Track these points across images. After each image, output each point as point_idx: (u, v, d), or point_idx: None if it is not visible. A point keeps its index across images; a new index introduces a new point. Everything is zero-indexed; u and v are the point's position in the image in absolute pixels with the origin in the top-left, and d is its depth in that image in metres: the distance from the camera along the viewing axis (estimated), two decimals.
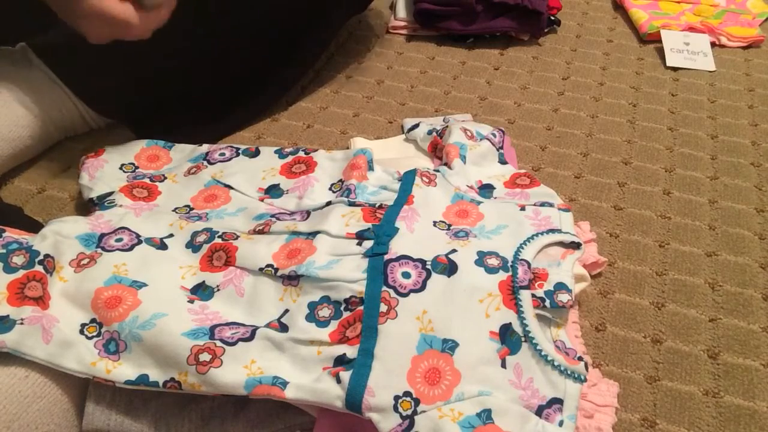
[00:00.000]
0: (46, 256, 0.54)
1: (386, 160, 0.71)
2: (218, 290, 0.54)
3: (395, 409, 0.45)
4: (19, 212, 0.66)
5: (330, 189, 0.66)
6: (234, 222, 0.61)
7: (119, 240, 0.57)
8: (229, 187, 0.66)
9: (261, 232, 0.59)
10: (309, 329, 0.50)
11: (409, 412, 0.45)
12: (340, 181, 0.66)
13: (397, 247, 0.54)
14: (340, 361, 0.48)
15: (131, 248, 0.57)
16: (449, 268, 0.53)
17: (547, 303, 0.51)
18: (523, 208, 0.61)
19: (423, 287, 0.51)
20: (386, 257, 0.53)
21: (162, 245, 0.58)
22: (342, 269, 0.53)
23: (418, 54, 1.01)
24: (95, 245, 0.57)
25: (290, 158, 0.69)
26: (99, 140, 0.80)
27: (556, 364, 0.49)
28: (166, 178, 0.68)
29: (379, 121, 0.86)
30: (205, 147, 0.73)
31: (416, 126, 0.78)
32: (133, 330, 0.49)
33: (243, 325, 0.52)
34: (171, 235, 0.59)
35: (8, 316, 0.49)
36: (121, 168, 0.69)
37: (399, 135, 0.80)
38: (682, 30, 1.05)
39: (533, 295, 0.52)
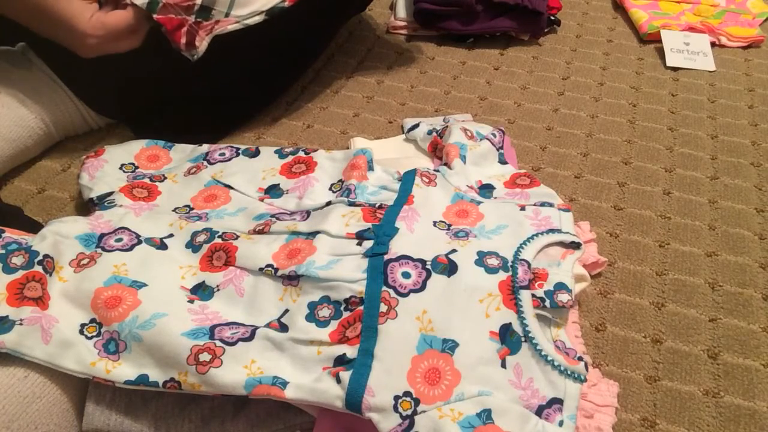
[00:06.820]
0: (46, 256, 0.54)
1: (386, 160, 0.71)
2: (218, 290, 0.54)
3: (395, 409, 0.45)
4: (19, 212, 0.66)
5: (330, 189, 0.66)
6: (234, 222, 0.61)
7: (119, 240, 0.57)
8: (229, 187, 0.66)
9: (261, 232, 0.59)
10: (309, 329, 0.50)
11: (409, 412, 0.45)
12: (340, 181, 0.66)
13: (397, 247, 0.54)
14: (340, 361, 0.48)
15: (131, 248, 0.57)
16: (449, 268, 0.53)
17: (547, 303, 0.51)
18: (523, 208, 0.61)
19: (423, 287, 0.51)
20: (386, 257, 0.53)
21: (162, 245, 0.58)
22: (342, 269, 0.53)
23: (418, 54, 1.01)
24: (95, 245, 0.57)
25: (290, 158, 0.69)
26: (99, 140, 0.80)
27: (556, 364, 0.49)
28: (166, 178, 0.68)
29: (379, 121, 0.86)
30: (205, 147, 0.73)
31: (416, 126, 0.78)
32: (132, 330, 0.49)
33: (243, 325, 0.52)
34: (171, 235, 0.59)
35: (7, 316, 0.49)
36: (121, 168, 0.69)
37: (399, 135, 0.80)
38: (682, 30, 1.05)
39: (533, 295, 0.52)
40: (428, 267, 0.53)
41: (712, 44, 1.04)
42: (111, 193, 0.65)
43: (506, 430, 0.45)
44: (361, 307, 0.50)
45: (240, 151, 0.71)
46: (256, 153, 0.71)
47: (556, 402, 0.47)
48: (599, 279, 0.65)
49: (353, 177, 0.65)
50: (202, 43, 0.68)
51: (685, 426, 0.53)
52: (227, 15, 0.69)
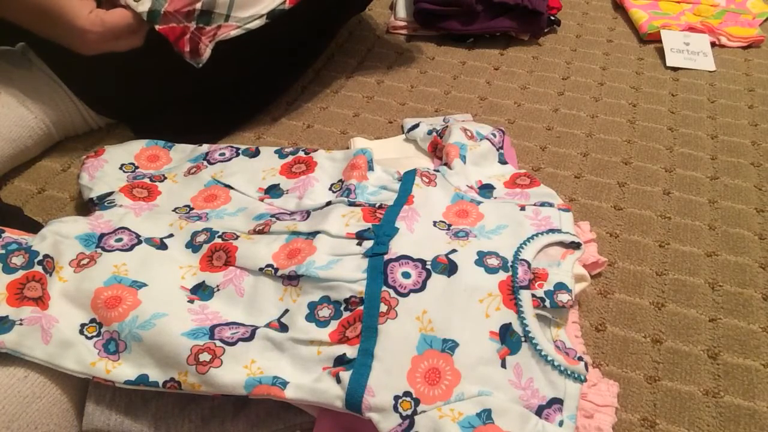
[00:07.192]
0: (46, 256, 0.54)
1: (386, 160, 0.71)
2: (218, 290, 0.54)
3: (395, 409, 0.45)
4: (19, 212, 0.66)
5: (330, 189, 0.66)
6: (234, 222, 0.61)
7: (119, 240, 0.57)
8: (229, 187, 0.66)
9: (261, 232, 0.59)
10: (309, 329, 0.50)
11: (409, 412, 0.45)
12: (340, 181, 0.66)
13: (397, 247, 0.54)
14: (340, 361, 0.48)
15: (131, 248, 0.57)
16: (449, 268, 0.53)
17: (547, 303, 0.51)
18: (523, 208, 0.61)
19: (423, 287, 0.51)
20: (386, 257, 0.53)
21: (162, 245, 0.58)
22: (342, 269, 0.53)
23: (418, 54, 1.01)
24: (95, 245, 0.57)
25: (290, 158, 0.69)
26: (99, 140, 0.80)
27: (556, 364, 0.49)
28: (166, 178, 0.68)
29: (379, 121, 0.86)
30: (205, 147, 0.73)
31: (416, 126, 0.78)
32: (133, 330, 0.49)
33: (243, 325, 0.52)
34: (171, 235, 0.59)
35: (7, 316, 0.49)
36: (121, 168, 0.69)
37: (399, 135, 0.80)
38: (682, 30, 1.05)
39: (533, 295, 0.52)
40: (428, 267, 0.53)
41: (712, 44, 1.04)
42: (111, 193, 0.65)
43: (506, 430, 0.45)
44: (361, 307, 0.50)
45: (240, 151, 0.71)
46: (256, 153, 0.71)
47: (556, 402, 0.47)
48: (599, 279, 0.65)
49: (353, 177, 0.65)
50: (206, 51, 0.68)
51: (685, 426, 0.53)
52: (228, 18, 0.69)
